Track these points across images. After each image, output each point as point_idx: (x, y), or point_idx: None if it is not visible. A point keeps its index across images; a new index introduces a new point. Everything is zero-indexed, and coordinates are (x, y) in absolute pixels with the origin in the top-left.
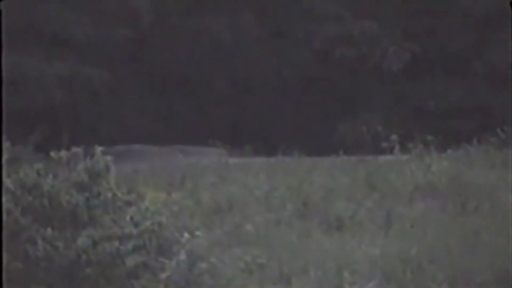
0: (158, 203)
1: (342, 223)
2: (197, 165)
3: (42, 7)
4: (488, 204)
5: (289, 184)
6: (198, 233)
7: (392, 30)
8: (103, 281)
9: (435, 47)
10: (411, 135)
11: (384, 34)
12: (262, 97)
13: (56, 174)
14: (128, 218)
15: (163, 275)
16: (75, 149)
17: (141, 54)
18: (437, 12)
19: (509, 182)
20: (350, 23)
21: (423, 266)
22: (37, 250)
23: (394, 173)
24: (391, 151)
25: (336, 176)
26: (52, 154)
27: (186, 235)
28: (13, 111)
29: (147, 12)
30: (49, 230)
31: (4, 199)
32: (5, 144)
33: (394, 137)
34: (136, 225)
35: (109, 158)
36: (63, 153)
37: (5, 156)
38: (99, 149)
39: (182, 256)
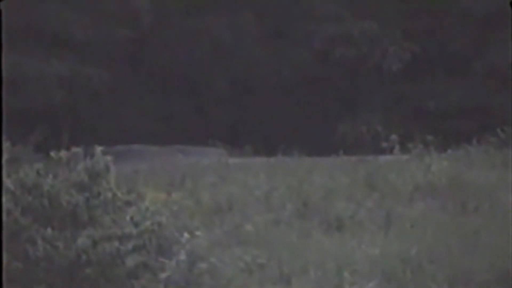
0: (158, 203)
1: (342, 223)
2: (197, 165)
3: (42, 7)
4: (488, 204)
5: (289, 184)
6: (198, 233)
7: (392, 30)
8: (103, 281)
9: (435, 47)
10: (411, 135)
11: (384, 34)
12: (262, 97)
13: (56, 174)
14: (128, 218)
15: (163, 275)
16: (75, 149)
17: (141, 54)
18: (437, 12)
19: (509, 182)
20: (350, 23)
21: (423, 266)
22: (37, 250)
23: (394, 173)
24: (391, 151)
25: (336, 176)
26: (52, 154)
27: (186, 235)
28: (13, 111)
29: (147, 12)
30: (49, 230)
31: (4, 199)
32: (5, 144)
33: (394, 137)
34: (136, 225)
35: (109, 158)
36: (63, 153)
37: (5, 156)
38: (99, 149)
39: (182, 256)
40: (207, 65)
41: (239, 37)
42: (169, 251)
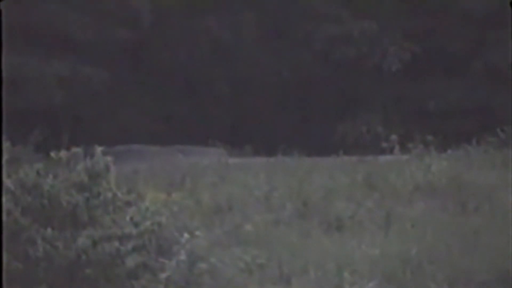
0: (158, 203)
1: (342, 223)
2: (197, 165)
3: (42, 7)
4: (488, 204)
5: (289, 184)
6: (198, 233)
7: (392, 30)
8: (103, 281)
9: (435, 47)
10: (411, 135)
11: (384, 34)
12: (262, 97)
13: (56, 174)
14: (128, 218)
15: (163, 275)
16: (75, 149)
17: (141, 54)
18: (437, 12)
19: (509, 182)
20: (350, 23)
21: (423, 266)
22: (37, 250)
23: (394, 173)
24: (391, 151)
25: (336, 176)
26: (52, 154)
27: (186, 235)
28: (13, 111)
29: (147, 12)
30: (49, 230)
31: (4, 199)
32: (5, 144)
33: (394, 137)
34: (136, 225)
35: (109, 158)
36: (63, 153)
37: (5, 156)
38: (99, 149)
39: (182, 256)
40: (207, 65)
41: (239, 37)
42: (169, 251)
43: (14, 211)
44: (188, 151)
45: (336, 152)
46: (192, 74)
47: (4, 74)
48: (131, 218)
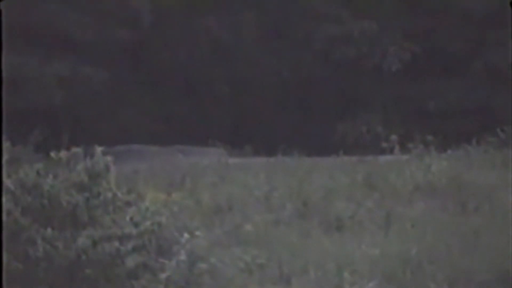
0: (158, 203)
1: (342, 223)
2: (197, 165)
3: (42, 7)
4: (488, 204)
5: (289, 184)
6: (198, 233)
7: (392, 30)
8: (103, 281)
9: (435, 47)
10: (411, 135)
11: (384, 34)
12: (262, 97)
13: (56, 174)
14: (128, 218)
15: (163, 275)
16: (75, 149)
17: (141, 54)
18: (437, 12)
19: (509, 182)
20: (350, 23)
21: (423, 266)
22: (37, 250)
23: (394, 173)
24: (391, 151)
25: (336, 176)
26: (52, 154)
27: (186, 235)
28: (13, 111)
29: (147, 12)
30: (49, 230)
31: (4, 199)
32: (5, 144)
33: (394, 137)
34: (136, 225)
35: (109, 158)
36: (63, 153)
37: (5, 156)
38: (99, 149)
39: (182, 256)
40: (207, 65)
41: (239, 37)
42: (169, 251)
43: (14, 211)
44: (188, 151)
45: (336, 152)
46: (192, 74)
47: (4, 74)
48: (131, 218)
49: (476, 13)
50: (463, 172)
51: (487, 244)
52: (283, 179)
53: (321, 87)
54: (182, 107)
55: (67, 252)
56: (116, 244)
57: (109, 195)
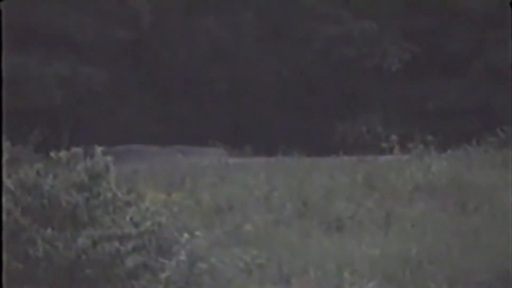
0: (158, 203)
1: (342, 223)
2: (197, 165)
3: (42, 7)
4: (488, 204)
5: (289, 184)
6: (198, 233)
7: (392, 30)
8: (103, 281)
9: (435, 47)
10: (411, 135)
11: (384, 34)
12: (262, 97)
13: (56, 174)
14: (128, 218)
15: (163, 275)
16: (75, 149)
17: (141, 54)
18: (437, 12)
19: (509, 182)
20: (350, 23)
21: (423, 266)
22: (37, 250)
23: (394, 173)
24: (391, 151)
25: (336, 176)
26: (52, 154)
27: (186, 235)
28: (13, 111)
29: (147, 12)
30: (49, 230)
31: (4, 199)
32: (5, 144)
33: (394, 137)
34: (136, 225)
35: (109, 158)
36: (63, 153)
37: (5, 156)
38: (99, 149)
39: (182, 256)
40: (207, 65)
41: (238, 37)
42: (169, 251)
43: (14, 211)
44: (188, 151)
45: (336, 152)
46: (192, 74)
47: (4, 74)
48: (131, 218)
49: (476, 13)
50: (463, 172)
51: (487, 244)
52: (283, 179)
53: (321, 87)
54: (182, 107)
55: (67, 252)
56: (116, 244)
57: (109, 195)
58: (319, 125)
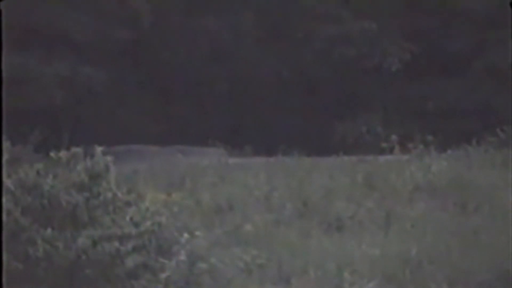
0: (158, 203)
1: (342, 223)
2: (197, 165)
3: (42, 7)
4: (488, 204)
5: (289, 184)
6: (198, 233)
7: (392, 30)
8: (103, 281)
9: (435, 47)
10: (411, 135)
11: (384, 34)
12: (262, 97)
13: (56, 174)
14: (128, 218)
15: (163, 275)
16: (75, 149)
17: (141, 54)
18: (437, 12)
19: (509, 182)
20: (350, 23)
21: (423, 266)
22: (37, 250)
23: (394, 173)
24: (391, 151)
25: (336, 176)
26: (52, 154)
27: (186, 235)
28: (13, 111)
29: (147, 12)
30: (49, 230)
31: (4, 199)
32: (5, 144)
33: (394, 137)
34: (136, 225)
35: (109, 158)
36: (63, 153)
37: (5, 156)
38: (99, 149)
39: (182, 256)
40: (207, 65)
41: (238, 37)
42: (169, 251)
43: (14, 211)
44: (188, 151)
45: (336, 152)
46: (192, 74)
47: (4, 74)
48: (131, 218)
49: (476, 13)
50: (463, 172)
51: (487, 244)
52: (283, 179)
53: (321, 87)
54: (182, 107)
55: (67, 252)
56: (116, 244)
57: (109, 195)
58: (319, 125)
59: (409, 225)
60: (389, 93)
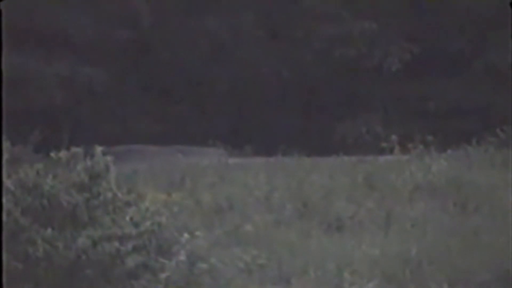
0: (158, 204)
1: (342, 223)
2: (197, 165)
3: (42, 7)
4: (488, 204)
5: (289, 184)
6: (198, 233)
7: (392, 30)
8: (103, 281)
9: (435, 47)
10: (411, 135)
11: (384, 34)
12: (262, 97)
13: (56, 174)
14: (128, 218)
15: (163, 276)
16: (75, 149)
17: (141, 55)
18: (437, 12)
19: (509, 182)
20: (350, 23)
21: (423, 266)
22: (37, 250)
23: (394, 173)
24: (391, 151)
25: (336, 176)
26: (52, 154)
27: (186, 235)
28: (13, 111)
29: (147, 12)
30: (49, 230)
31: (4, 199)
32: (5, 144)
33: (394, 137)
34: (136, 225)
35: (109, 158)
36: (63, 153)
37: (5, 156)
38: (99, 149)
39: (182, 257)
40: (207, 65)
41: (238, 37)
42: (169, 251)
43: (14, 211)
44: (188, 151)
45: (336, 152)
46: (192, 74)
47: (4, 74)
48: (131, 218)
49: (476, 13)
50: (463, 172)
51: (487, 244)
52: (283, 179)
53: (321, 87)
54: (182, 107)
55: (67, 252)
56: (116, 244)
57: (109, 195)
58: (319, 125)
59: (409, 225)
60: (389, 93)
